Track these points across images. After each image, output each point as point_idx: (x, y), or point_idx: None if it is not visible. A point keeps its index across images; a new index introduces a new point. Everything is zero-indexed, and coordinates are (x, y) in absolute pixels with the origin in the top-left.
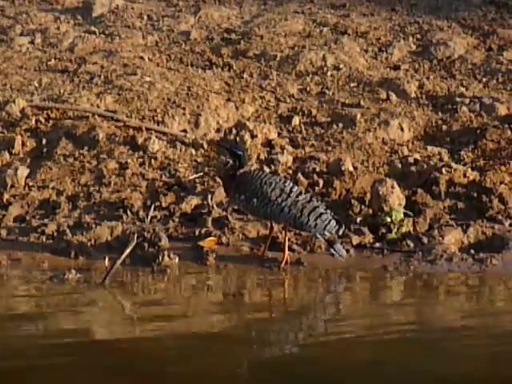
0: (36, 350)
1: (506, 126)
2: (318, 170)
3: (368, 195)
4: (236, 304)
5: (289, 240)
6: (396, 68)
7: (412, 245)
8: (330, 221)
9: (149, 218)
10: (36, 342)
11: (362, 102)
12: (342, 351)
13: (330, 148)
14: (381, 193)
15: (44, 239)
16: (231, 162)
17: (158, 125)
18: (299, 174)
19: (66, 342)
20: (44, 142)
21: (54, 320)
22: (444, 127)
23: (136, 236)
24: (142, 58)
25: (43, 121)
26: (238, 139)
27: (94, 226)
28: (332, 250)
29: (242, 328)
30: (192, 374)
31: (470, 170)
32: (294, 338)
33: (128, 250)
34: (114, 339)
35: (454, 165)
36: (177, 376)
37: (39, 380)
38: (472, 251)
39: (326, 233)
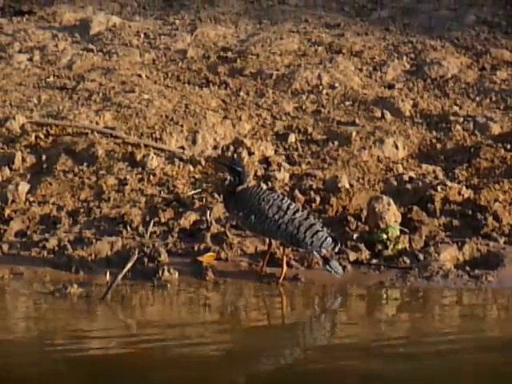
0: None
1: (500, 144)
2: (314, 186)
3: (364, 212)
4: (234, 318)
5: (287, 256)
6: (390, 87)
7: (408, 261)
8: (326, 238)
9: (148, 233)
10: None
11: (357, 121)
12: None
13: (325, 165)
14: (377, 210)
15: (45, 254)
16: (230, 178)
17: (156, 141)
18: (296, 191)
19: None
20: (44, 157)
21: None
22: (438, 145)
23: (137, 251)
24: (139, 75)
25: (43, 137)
26: (236, 156)
27: (94, 241)
28: (328, 267)
29: (239, 342)
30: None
31: (464, 188)
32: (289, 352)
33: (129, 265)
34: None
35: (448, 183)
36: None
37: None
38: (467, 268)
39: (322, 250)
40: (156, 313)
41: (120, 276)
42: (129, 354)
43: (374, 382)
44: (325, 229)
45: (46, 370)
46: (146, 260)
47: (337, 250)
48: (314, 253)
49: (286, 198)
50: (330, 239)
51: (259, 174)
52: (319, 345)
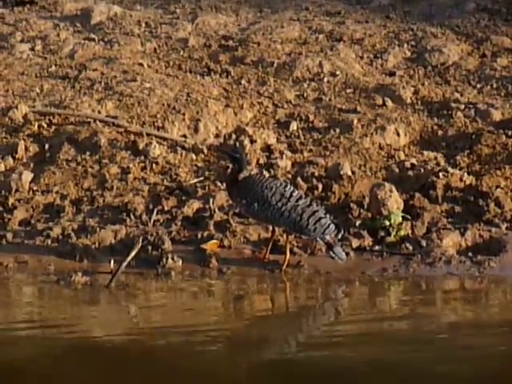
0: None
1: (501, 131)
2: (316, 174)
3: (366, 199)
4: (239, 305)
5: (290, 243)
6: (391, 74)
7: (411, 248)
8: (329, 225)
9: (152, 221)
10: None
11: (358, 108)
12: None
13: (327, 153)
14: (379, 197)
15: (49, 242)
16: (232, 166)
17: (159, 130)
18: (298, 179)
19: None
20: (47, 146)
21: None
22: (440, 132)
23: (141, 239)
24: (141, 64)
25: (45, 126)
26: (237, 144)
27: (98, 229)
28: (331, 253)
29: (243, 329)
30: (194, 373)
31: (466, 174)
32: (294, 340)
33: (133, 253)
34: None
35: (450, 169)
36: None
37: None
38: (470, 254)
39: (325, 236)
40: (160, 300)
41: (124, 264)
42: (131, 341)
43: (375, 368)
44: (328, 215)
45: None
46: (149, 248)
47: (340, 236)
48: (318, 239)
49: (289, 186)
50: (332, 226)
51: (261, 161)
52: (321, 332)
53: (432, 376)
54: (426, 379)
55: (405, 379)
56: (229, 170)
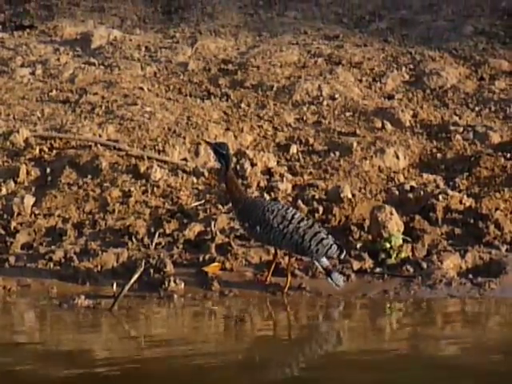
0: None
1: (500, 153)
2: (317, 197)
3: (367, 221)
4: (240, 328)
5: (292, 266)
6: (390, 97)
7: (412, 270)
8: (331, 245)
9: (153, 244)
10: None
11: (357, 131)
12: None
13: (327, 176)
14: (380, 219)
15: (52, 266)
16: (219, 165)
17: (159, 154)
18: (299, 201)
19: None
20: (48, 170)
21: None
22: (439, 155)
23: (143, 262)
24: (141, 88)
25: (47, 150)
26: (238, 167)
27: (100, 252)
28: (329, 279)
29: (245, 352)
30: None
31: (465, 196)
32: (295, 362)
33: (136, 276)
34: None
35: (450, 192)
36: None
37: None
38: (470, 276)
39: (324, 260)
40: (163, 323)
41: (127, 287)
42: (132, 366)
43: None
44: (330, 236)
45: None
46: (151, 271)
47: (342, 257)
48: (317, 264)
49: (290, 208)
50: (335, 246)
51: (262, 184)
52: (324, 355)
53: None
54: None
55: None
56: (222, 170)
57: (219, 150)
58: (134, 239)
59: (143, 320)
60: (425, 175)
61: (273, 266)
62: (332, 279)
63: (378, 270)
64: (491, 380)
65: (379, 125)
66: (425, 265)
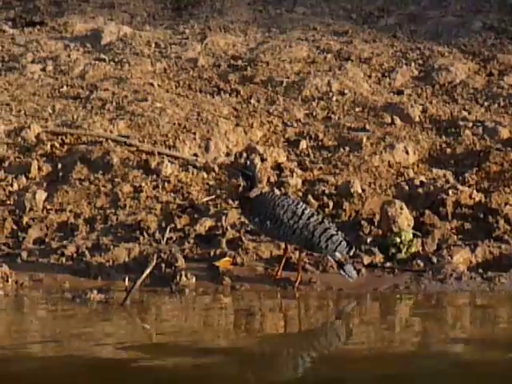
0: None
1: (509, 148)
2: (327, 192)
3: (377, 216)
4: (252, 323)
5: (302, 260)
6: (399, 93)
7: (422, 264)
8: (340, 242)
9: (165, 239)
10: None
11: (367, 126)
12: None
13: (337, 171)
14: (390, 214)
15: (64, 260)
16: (243, 183)
17: (170, 149)
18: (309, 196)
19: None
20: (59, 166)
21: None
22: (448, 150)
23: (156, 256)
24: (151, 84)
25: (58, 146)
26: (248, 162)
27: (111, 247)
28: (342, 271)
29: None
30: None
31: (475, 191)
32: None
33: (148, 271)
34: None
35: (459, 186)
36: None
37: None
38: (480, 270)
39: (336, 254)
40: (174, 317)
41: (139, 281)
42: (143, 358)
43: None
44: (340, 232)
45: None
46: (163, 265)
47: (351, 253)
48: (329, 257)
49: (301, 203)
50: (344, 243)
51: (272, 179)
52: (336, 350)
53: None
54: None
55: None
56: (240, 188)
57: (245, 172)
58: (145, 234)
59: (154, 314)
60: (434, 170)
61: (283, 261)
62: (345, 271)
63: (388, 264)
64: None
65: (389, 120)
66: (435, 259)
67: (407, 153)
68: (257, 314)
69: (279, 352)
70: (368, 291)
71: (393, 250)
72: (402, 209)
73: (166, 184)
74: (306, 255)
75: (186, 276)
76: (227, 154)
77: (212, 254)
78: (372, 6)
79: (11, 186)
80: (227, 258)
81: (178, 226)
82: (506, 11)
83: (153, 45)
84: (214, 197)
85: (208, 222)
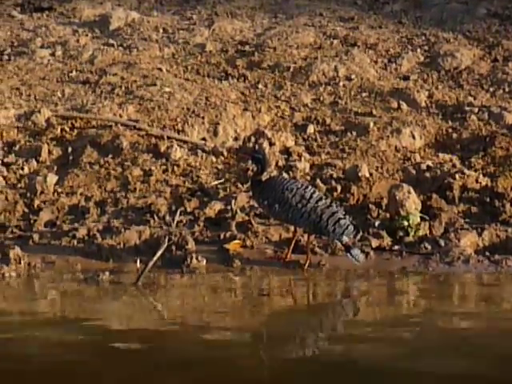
0: None
1: None
2: (335, 176)
3: (385, 200)
4: (262, 304)
5: (311, 243)
6: (405, 78)
7: (429, 247)
8: (348, 226)
9: (175, 222)
10: None
11: (374, 111)
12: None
13: (345, 155)
14: (398, 198)
15: (75, 243)
16: (253, 167)
17: (179, 133)
18: (317, 180)
19: None
20: (70, 150)
21: None
22: (454, 135)
23: (167, 238)
24: (160, 69)
25: (68, 130)
26: (257, 146)
27: (122, 230)
28: (349, 255)
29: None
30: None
31: (481, 175)
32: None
33: (160, 252)
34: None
35: (466, 171)
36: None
37: None
38: (487, 253)
39: (343, 237)
40: (186, 298)
41: (152, 262)
42: (155, 335)
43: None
44: (347, 216)
45: None
46: (174, 248)
47: (358, 237)
48: (336, 241)
49: (309, 187)
50: (351, 227)
51: (280, 164)
52: (345, 328)
53: None
54: None
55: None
56: (249, 172)
57: (256, 155)
58: (155, 217)
59: (166, 295)
60: (441, 155)
61: (292, 244)
62: (352, 255)
63: (396, 247)
64: None
65: (395, 105)
66: (442, 242)
67: (414, 137)
68: (268, 294)
69: (289, 331)
70: (376, 274)
71: (400, 234)
72: (409, 192)
73: (176, 168)
74: (315, 238)
75: (196, 258)
76: (235, 139)
77: (222, 236)
78: None
79: (22, 169)
80: (237, 241)
81: (188, 210)
82: None
83: (161, 30)
84: (222, 180)
85: (217, 206)
